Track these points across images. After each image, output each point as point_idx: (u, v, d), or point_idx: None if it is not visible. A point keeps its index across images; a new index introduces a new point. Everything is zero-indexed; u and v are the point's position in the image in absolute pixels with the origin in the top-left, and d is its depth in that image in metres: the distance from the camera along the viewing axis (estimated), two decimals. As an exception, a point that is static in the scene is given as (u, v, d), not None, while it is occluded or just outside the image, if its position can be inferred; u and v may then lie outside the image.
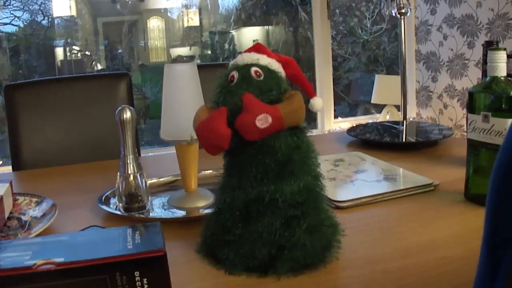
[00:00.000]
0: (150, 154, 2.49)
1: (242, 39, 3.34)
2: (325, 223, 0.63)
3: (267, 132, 0.59)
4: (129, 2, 3.08)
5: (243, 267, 0.62)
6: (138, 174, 0.84)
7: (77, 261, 0.46)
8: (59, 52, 3.04)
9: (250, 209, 0.61)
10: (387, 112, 2.90)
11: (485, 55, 1.04)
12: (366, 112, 3.39)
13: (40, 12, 2.91)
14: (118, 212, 0.84)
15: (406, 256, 0.66)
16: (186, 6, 3.20)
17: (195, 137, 0.64)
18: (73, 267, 0.46)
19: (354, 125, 1.42)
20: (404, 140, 1.26)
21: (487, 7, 2.42)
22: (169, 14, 3.22)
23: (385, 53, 3.44)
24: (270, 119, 0.58)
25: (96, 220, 0.83)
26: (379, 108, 3.08)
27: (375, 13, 3.34)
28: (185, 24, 3.25)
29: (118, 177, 0.84)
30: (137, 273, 0.47)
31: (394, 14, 1.30)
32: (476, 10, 2.48)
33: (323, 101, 1.25)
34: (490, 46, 1.01)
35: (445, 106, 2.78)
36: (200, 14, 3.25)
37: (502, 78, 0.79)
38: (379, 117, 3.03)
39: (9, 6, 2.78)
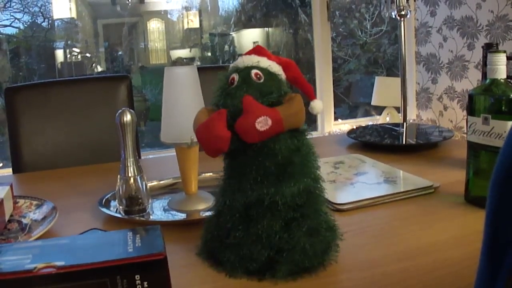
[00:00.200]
0: (150, 156, 2.50)
1: (242, 41, 3.34)
2: (325, 226, 0.63)
3: (267, 134, 0.59)
4: (129, 4, 3.09)
5: (243, 270, 0.62)
6: (138, 177, 0.84)
7: (78, 264, 0.46)
8: (59, 54, 3.04)
9: (250, 211, 0.61)
10: (387, 114, 2.90)
11: (485, 57, 1.04)
12: (366, 114, 3.39)
13: (40, 14, 2.91)
14: (119, 215, 0.84)
15: (406, 259, 0.66)
16: (186, 8, 3.20)
17: (195, 140, 0.64)
18: (73, 271, 0.46)
19: (354, 127, 1.42)
20: (404, 142, 1.26)
21: (487, 9, 2.42)
22: (169, 16, 3.22)
23: (385, 55, 3.44)
24: (270, 122, 0.58)
25: (96, 223, 0.83)
26: (379, 110, 3.08)
27: (375, 15, 3.34)
28: (185, 26, 3.25)
29: (118, 180, 0.84)
30: (137, 277, 0.47)
31: (394, 16, 1.30)
32: (476, 12, 2.48)
33: (323, 103, 1.25)
34: (490, 48, 1.01)
35: (445, 108, 2.78)
36: (200, 16, 3.26)
37: (502, 80, 0.79)
38: (379, 119, 3.03)
39: (9, 8, 2.79)
